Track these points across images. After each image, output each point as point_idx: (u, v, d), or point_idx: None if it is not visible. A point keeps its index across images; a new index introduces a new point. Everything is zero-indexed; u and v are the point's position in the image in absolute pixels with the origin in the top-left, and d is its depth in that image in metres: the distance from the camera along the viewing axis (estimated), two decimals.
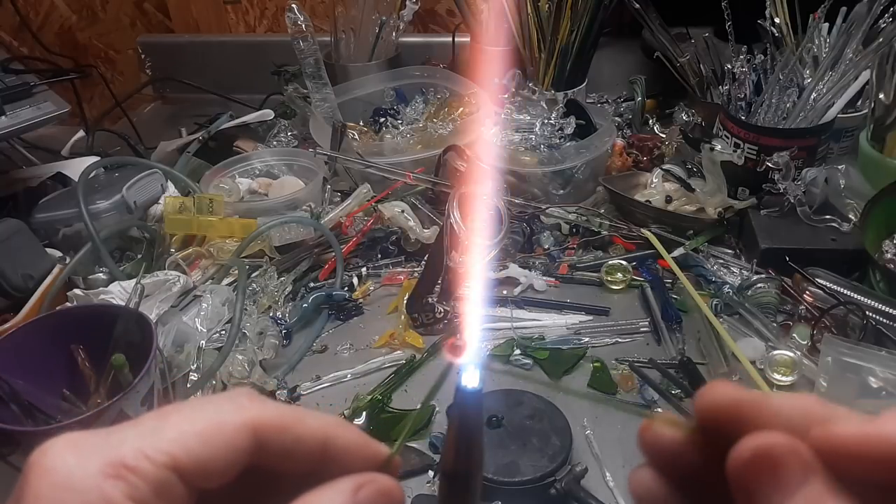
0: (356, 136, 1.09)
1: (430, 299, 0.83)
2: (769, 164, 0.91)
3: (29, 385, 0.69)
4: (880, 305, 0.76)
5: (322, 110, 1.11)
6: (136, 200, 0.97)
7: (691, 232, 0.92)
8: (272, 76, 1.37)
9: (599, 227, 0.94)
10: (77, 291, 0.84)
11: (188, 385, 0.76)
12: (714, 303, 0.83)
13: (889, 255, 0.80)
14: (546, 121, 1.03)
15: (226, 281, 0.91)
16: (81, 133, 1.29)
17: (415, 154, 1.03)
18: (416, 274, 0.91)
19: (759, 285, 0.83)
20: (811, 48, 0.94)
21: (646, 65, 1.27)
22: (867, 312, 0.74)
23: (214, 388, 0.75)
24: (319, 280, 0.92)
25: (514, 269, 0.90)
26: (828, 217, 0.88)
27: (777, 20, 0.97)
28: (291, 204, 0.99)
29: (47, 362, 0.71)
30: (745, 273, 0.87)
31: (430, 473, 0.67)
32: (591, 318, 0.85)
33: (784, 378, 0.73)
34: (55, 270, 0.87)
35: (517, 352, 0.79)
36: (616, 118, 1.19)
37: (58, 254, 0.91)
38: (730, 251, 0.93)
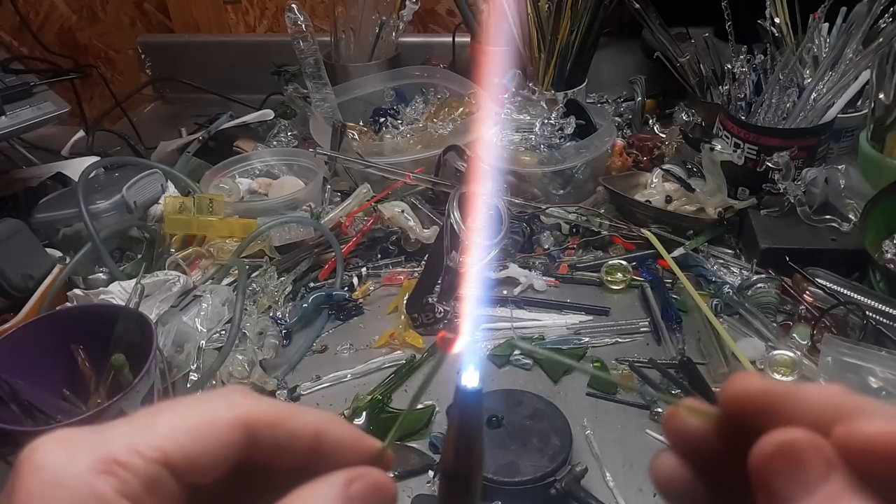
0: (356, 136, 1.09)
1: (430, 299, 0.83)
2: (769, 164, 0.91)
3: (29, 385, 0.69)
4: (880, 305, 0.76)
5: (322, 110, 1.11)
6: (136, 200, 0.97)
7: (691, 232, 0.92)
8: (272, 76, 1.37)
9: (599, 227, 0.94)
10: (77, 291, 0.84)
11: (188, 385, 0.76)
12: (714, 303, 0.83)
13: (889, 255, 0.80)
14: (546, 121, 1.03)
15: (226, 281, 0.91)
16: (81, 133, 1.29)
17: (415, 154, 1.03)
18: (416, 274, 0.91)
19: (759, 285, 0.83)
20: (811, 48, 0.94)
21: (646, 65, 1.27)
22: (867, 312, 0.74)
23: (214, 388, 0.75)
24: (319, 280, 0.92)
25: (514, 269, 0.90)
26: (828, 217, 0.88)
27: (777, 20, 0.97)
28: (291, 204, 0.99)
29: (47, 362, 0.71)
30: (745, 273, 0.87)
31: (430, 473, 0.67)
32: (591, 318, 0.85)
33: (784, 378, 0.73)
34: (55, 270, 0.87)
35: (517, 352, 0.79)
36: (616, 118, 1.19)
37: (58, 254, 0.91)
38: (730, 251, 0.93)
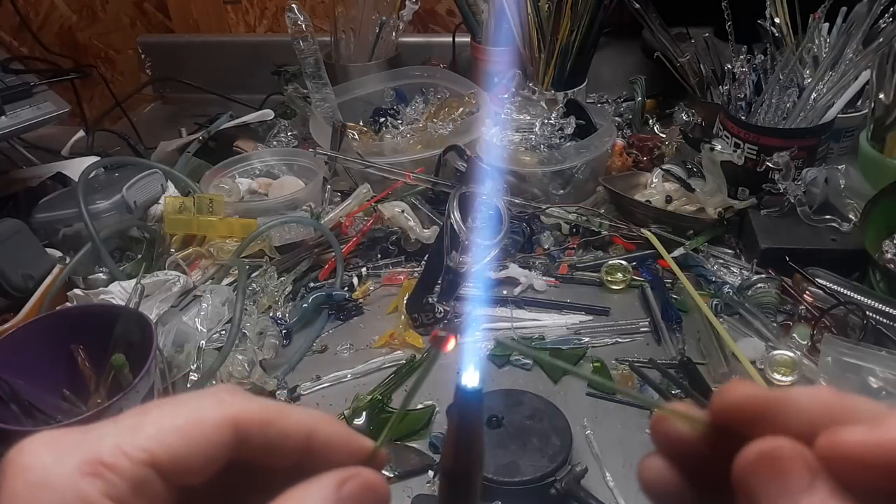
0: (356, 136, 1.09)
1: (430, 299, 0.83)
2: (769, 164, 0.91)
3: (29, 385, 0.69)
4: (880, 305, 0.76)
5: (322, 110, 1.11)
6: (136, 200, 0.97)
7: (691, 232, 0.92)
8: (272, 76, 1.37)
9: (599, 227, 0.94)
10: (77, 291, 0.84)
11: (188, 385, 0.76)
12: (714, 303, 0.83)
13: (889, 255, 0.80)
14: (546, 121, 1.03)
15: (226, 281, 0.91)
16: (81, 133, 1.29)
17: (415, 154, 1.03)
18: (416, 274, 0.91)
19: (759, 285, 0.83)
20: (811, 48, 0.94)
21: (646, 65, 1.27)
22: (867, 312, 0.74)
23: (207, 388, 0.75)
24: (319, 280, 0.92)
25: (514, 269, 0.90)
26: (828, 217, 0.88)
27: (777, 20, 0.97)
28: (291, 204, 0.99)
29: (47, 362, 0.71)
30: (745, 273, 0.87)
31: (430, 473, 0.67)
32: (591, 318, 0.85)
33: (784, 378, 0.73)
34: (55, 270, 0.87)
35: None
36: (616, 118, 1.19)
37: (58, 254, 0.91)
38: (730, 251, 0.93)
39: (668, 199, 0.96)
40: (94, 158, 1.08)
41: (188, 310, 0.85)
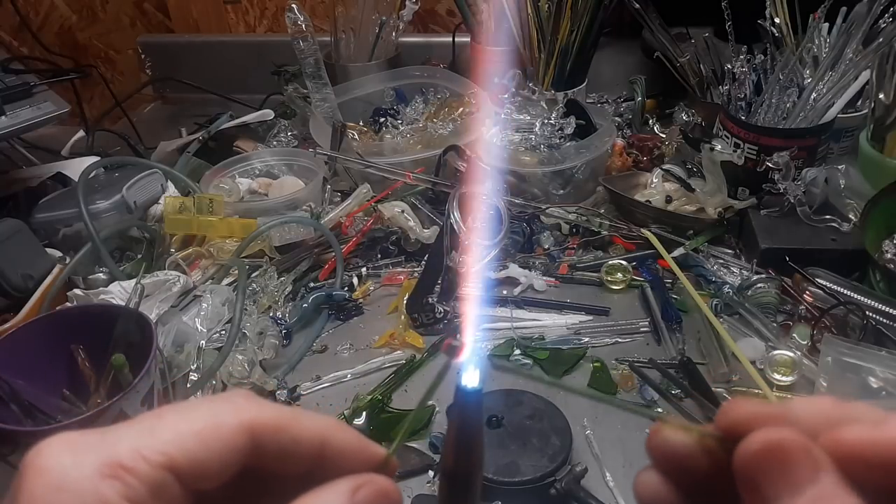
0: (356, 136, 1.09)
1: (430, 299, 0.83)
2: (769, 164, 0.91)
3: (29, 385, 0.69)
4: (880, 305, 0.76)
5: (322, 110, 1.11)
6: (136, 200, 0.97)
7: (691, 232, 0.92)
8: (272, 76, 1.37)
9: (599, 227, 0.94)
10: (77, 291, 0.84)
11: (188, 385, 0.76)
12: (714, 303, 0.83)
13: (889, 255, 0.80)
14: (546, 121, 1.03)
15: (226, 281, 0.91)
16: (81, 133, 1.29)
17: (415, 154, 1.03)
18: (416, 274, 0.91)
19: (759, 285, 0.83)
20: (811, 48, 0.94)
21: (646, 65, 1.27)
22: (867, 312, 0.74)
23: (214, 388, 0.75)
24: (319, 280, 0.92)
25: (514, 269, 0.90)
26: (828, 217, 0.88)
27: (777, 20, 0.97)
28: (291, 204, 0.99)
29: (47, 362, 0.71)
30: (745, 273, 0.87)
31: (430, 473, 0.67)
32: (591, 318, 0.85)
33: (784, 378, 0.73)
34: (55, 270, 0.87)
35: (517, 352, 0.79)
36: (616, 118, 1.19)
37: (58, 254, 0.91)
38: (730, 251, 0.93)
39: (668, 199, 0.96)
40: (94, 158, 1.08)
41: (188, 310, 0.85)
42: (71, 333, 0.73)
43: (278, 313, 0.86)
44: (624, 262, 0.89)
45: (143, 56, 1.56)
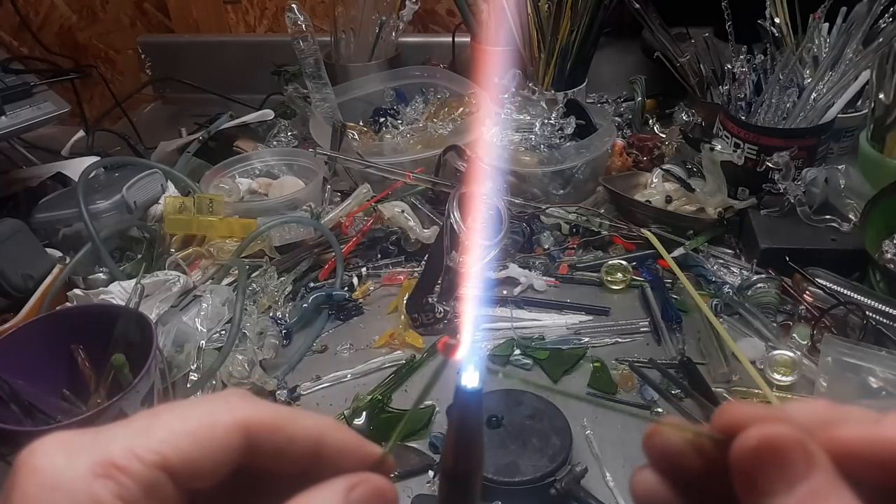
0: (356, 136, 1.09)
1: (430, 299, 0.83)
2: (769, 164, 0.91)
3: (29, 385, 0.69)
4: (880, 305, 0.76)
5: (322, 110, 1.11)
6: (136, 200, 0.97)
7: (691, 232, 0.92)
8: (272, 76, 1.37)
9: (599, 227, 0.94)
10: (77, 291, 0.84)
11: (188, 385, 0.76)
12: (714, 303, 0.83)
13: (889, 255, 0.80)
14: (546, 121, 1.03)
15: (226, 281, 0.91)
16: (81, 133, 1.29)
17: (415, 154, 1.03)
18: (416, 274, 0.91)
19: (759, 285, 0.83)
20: (811, 48, 0.94)
21: (646, 65, 1.27)
22: (867, 312, 0.74)
23: (214, 388, 0.75)
24: (319, 280, 0.92)
25: (514, 269, 0.90)
26: (828, 217, 0.88)
27: (777, 20, 0.97)
28: (291, 204, 0.99)
29: (47, 362, 0.71)
30: (745, 273, 0.87)
31: (430, 473, 0.67)
32: (591, 318, 0.85)
33: (784, 378, 0.73)
34: (55, 270, 0.87)
35: (517, 352, 0.79)
36: (616, 118, 1.19)
37: (58, 254, 0.91)
38: (730, 251, 0.93)
39: (668, 199, 0.96)
40: (94, 158, 1.08)
41: (188, 310, 0.85)
42: (71, 333, 0.73)
43: (278, 313, 0.86)
44: (624, 262, 0.89)
45: (143, 56, 1.56)
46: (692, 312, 0.83)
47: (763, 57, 0.97)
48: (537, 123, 1.03)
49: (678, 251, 0.89)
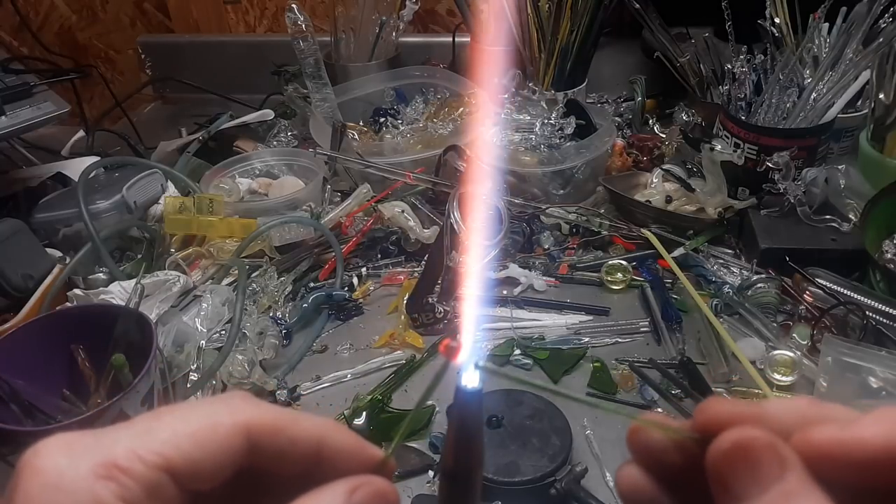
0: (356, 136, 1.09)
1: (430, 299, 0.83)
2: (769, 164, 0.91)
3: (29, 385, 0.69)
4: (880, 305, 0.76)
5: (322, 110, 1.11)
6: (136, 200, 0.97)
7: (691, 232, 0.92)
8: (272, 76, 1.37)
9: (599, 227, 0.94)
10: (77, 291, 0.84)
11: (188, 385, 0.76)
12: (714, 303, 0.83)
13: (889, 255, 0.80)
14: (546, 121, 1.03)
15: (226, 281, 0.91)
16: (81, 133, 1.29)
17: (415, 154, 1.03)
18: (416, 274, 0.91)
19: (759, 285, 0.83)
20: (811, 48, 0.94)
21: (646, 65, 1.27)
22: (867, 312, 0.74)
23: (214, 388, 0.75)
24: (319, 280, 0.92)
25: (514, 269, 0.90)
26: (828, 217, 0.88)
27: (777, 20, 0.97)
28: (291, 204, 0.99)
29: (47, 362, 0.71)
30: (745, 273, 0.87)
31: (430, 473, 0.67)
32: (591, 318, 0.85)
33: (784, 378, 0.73)
34: (55, 270, 0.87)
35: (517, 352, 0.79)
36: (616, 118, 1.19)
37: (58, 254, 0.91)
38: (730, 251, 0.93)
39: (668, 199, 0.96)
40: (94, 158, 1.08)
41: (188, 310, 0.85)
42: (71, 333, 0.73)
43: (278, 313, 0.86)
44: (624, 262, 0.89)
45: (143, 56, 1.56)
46: (692, 312, 0.83)
47: (763, 57, 0.97)
48: (537, 123, 1.03)
49: (678, 251, 0.89)
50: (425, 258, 0.89)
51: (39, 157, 1.20)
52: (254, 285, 0.88)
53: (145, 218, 0.99)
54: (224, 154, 1.13)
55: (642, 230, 0.91)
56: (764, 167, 0.92)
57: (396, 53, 1.32)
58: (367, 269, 0.94)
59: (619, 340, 0.81)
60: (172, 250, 0.94)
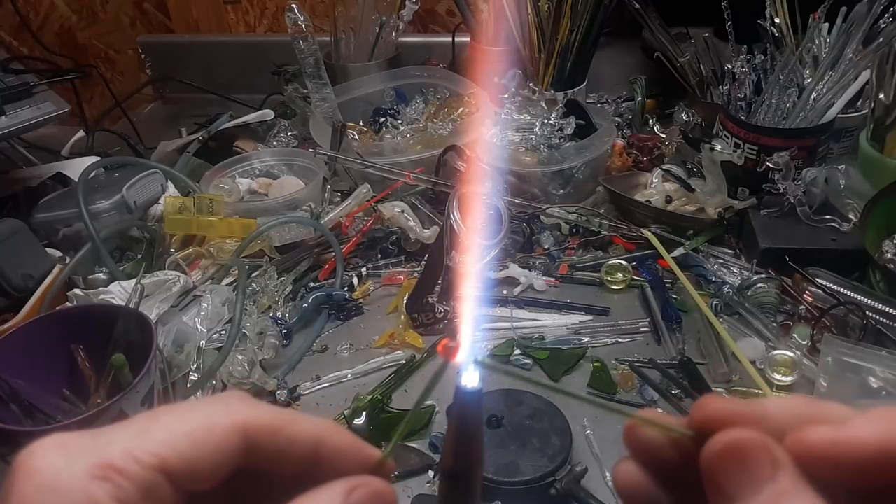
0: (356, 136, 1.09)
1: (430, 299, 0.83)
2: (769, 164, 0.91)
3: (29, 385, 0.69)
4: (880, 305, 0.76)
5: (322, 110, 1.11)
6: (136, 200, 0.97)
7: (691, 232, 0.92)
8: (272, 76, 1.37)
9: (599, 227, 0.94)
10: (77, 291, 0.84)
11: (188, 385, 0.76)
12: (714, 303, 0.83)
13: (889, 255, 0.80)
14: (546, 121, 1.03)
15: (226, 281, 0.91)
16: (81, 133, 1.29)
17: (415, 154, 1.03)
18: (416, 274, 0.91)
19: (759, 285, 0.83)
20: (811, 48, 0.94)
21: (646, 65, 1.27)
22: (867, 312, 0.74)
23: (214, 388, 0.75)
24: (319, 280, 0.92)
25: (514, 269, 0.90)
26: (828, 217, 0.88)
27: (777, 20, 0.97)
28: (291, 204, 0.99)
29: (47, 362, 0.71)
30: (745, 273, 0.87)
31: (430, 473, 0.67)
32: (591, 318, 0.85)
33: (784, 378, 0.73)
34: (55, 270, 0.87)
35: (517, 352, 0.79)
36: (616, 118, 1.19)
37: (58, 254, 0.91)
38: (730, 251, 0.93)
39: (668, 199, 0.96)
40: (94, 158, 1.08)
41: (188, 310, 0.85)
42: (71, 333, 0.72)
43: (278, 313, 0.86)
44: (624, 262, 0.89)
45: (143, 56, 1.56)
46: (692, 312, 0.83)
47: (763, 57, 0.97)
48: (537, 123, 1.03)
49: (678, 251, 0.89)
50: (425, 258, 0.89)
51: (39, 157, 1.20)
52: (254, 285, 0.88)
53: (145, 218, 0.99)
54: (224, 154, 1.13)
55: (642, 230, 0.91)
56: (764, 167, 0.92)
57: (396, 53, 1.32)
58: (367, 269, 0.94)
59: (619, 340, 0.81)
60: (172, 250, 0.94)
